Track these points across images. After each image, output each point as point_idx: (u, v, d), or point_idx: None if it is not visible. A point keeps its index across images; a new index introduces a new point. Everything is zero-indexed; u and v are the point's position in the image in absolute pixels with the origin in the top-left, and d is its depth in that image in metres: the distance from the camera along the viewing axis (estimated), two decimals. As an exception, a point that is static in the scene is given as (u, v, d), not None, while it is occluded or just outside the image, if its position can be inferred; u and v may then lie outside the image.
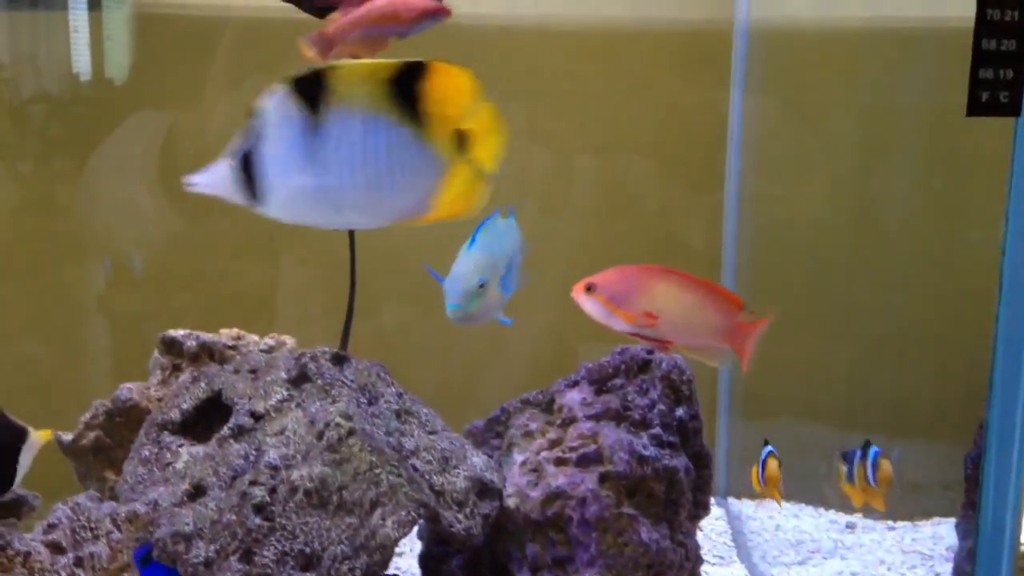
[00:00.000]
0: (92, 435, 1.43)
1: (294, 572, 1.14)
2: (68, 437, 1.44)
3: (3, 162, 1.91)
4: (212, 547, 1.17)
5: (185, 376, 1.48)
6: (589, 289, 1.16)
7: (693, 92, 1.97)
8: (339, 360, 1.32)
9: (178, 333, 1.51)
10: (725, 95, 1.89)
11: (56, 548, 1.03)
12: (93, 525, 1.06)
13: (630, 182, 2.01)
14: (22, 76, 1.88)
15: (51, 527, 1.05)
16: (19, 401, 1.79)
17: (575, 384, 1.31)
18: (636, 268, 1.17)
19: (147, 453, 1.28)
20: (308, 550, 1.16)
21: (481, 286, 1.19)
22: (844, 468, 1.52)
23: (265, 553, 1.15)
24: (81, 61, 1.81)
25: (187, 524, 1.18)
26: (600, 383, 1.30)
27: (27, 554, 0.99)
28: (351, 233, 1.86)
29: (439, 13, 1.20)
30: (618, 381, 1.29)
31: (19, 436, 0.84)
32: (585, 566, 1.19)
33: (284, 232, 1.90)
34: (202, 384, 1.33)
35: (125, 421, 1.44)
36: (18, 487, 1.54)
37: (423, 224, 1.11)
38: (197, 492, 1.22)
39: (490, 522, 1.23)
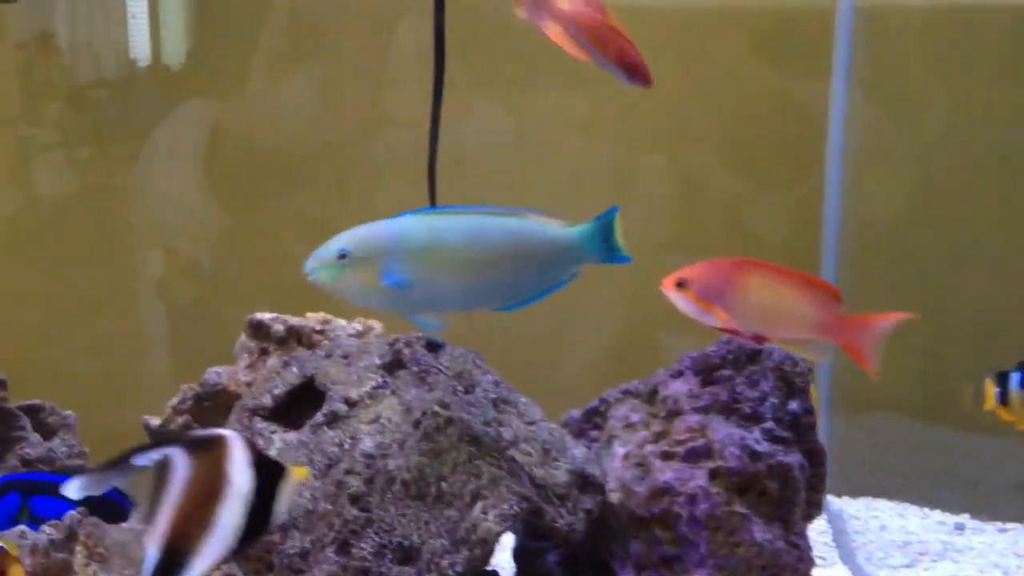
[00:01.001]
0: (180, 420, 1.41)
1: (392, 566, 1.10)
2: (156, 421, 1.42)
3: (63, 148, 1.91)
4: (308, 538, 1.13)
5: (274, 361, 1.45)
6: (680, 284, 1.10)
7: (787, 80, 1.89)
8: (434, 347, 1.27)
9: (265, 316, 1.48)
10: (824, 83, 1.80)
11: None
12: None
13: (714, 175, 1.95)
14: (81, 62, 1.87)
15: (148, 514, 1.02)
16: (79, 388, 1.78)
17: (679, 374, 1.25)
18: (728, 261, 1.11)
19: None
20: (407, 543, 1.11)
21: (342, 256, 1.06)
22: (997, 390, 1.46)
23: (363, 545, 1.11)
24: (138, 47, 1.79)
25: (281, 513, 1.14)
26: (706, 374, 1.24)
27: (124, 545, 0.96)
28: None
29: (638, 76, 1.11)
30: (725, 372, 1.23)
31: (278, 474, 0.79)
32: (695, 566, 1.13)
33: (343, 216, 1.89)
34: (294, 369, 1.30)
35: (213, 405, 1.41)
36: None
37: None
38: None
39: (593, 517, 1.18)
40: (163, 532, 0.73)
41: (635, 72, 1.08)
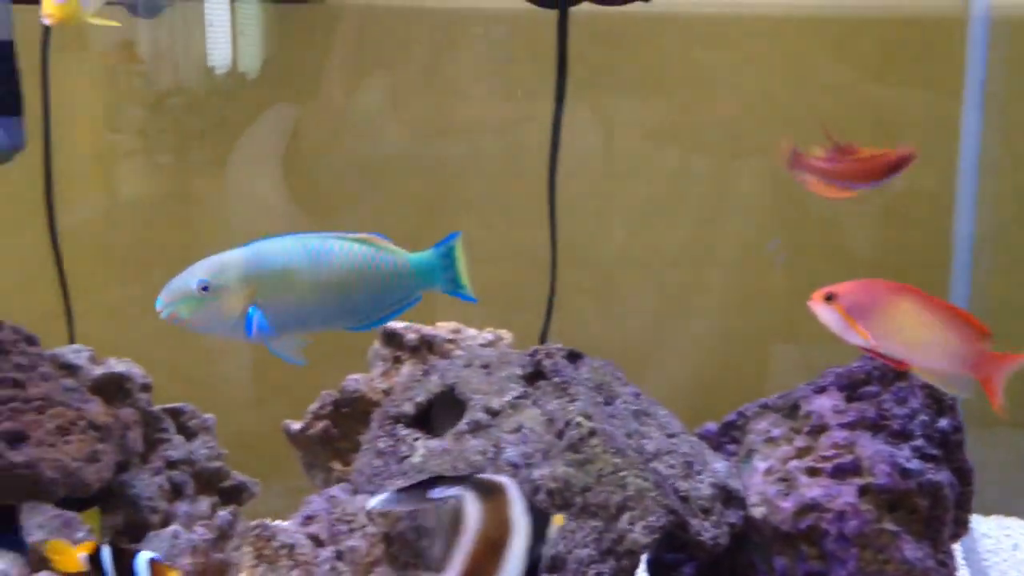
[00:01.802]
0: (320, 425, 1.44)
1: (541, 574, 1.12)
2: (297, 426, 1.46)
3: (144, 154, 1.95)
4: (453, 544, 1.15)
5: (408, 368, 1.48)
6: (829, 299, 1.11)
7: (910, 92, 1.87)
8: (574, 357, 1.28)
9: (398, 326, 1.51)
10: (954, 97, 1.77)
11: (316, 541, 1.02)
12: (349, 518, 1.05)
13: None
14: (161, 69, 1.91)
15: (308, 519, 1.05)
16: (171, 391, 1.83)
17: (822, 390, 1.25)
18: (880, 283, 1.12)
19: (383, 446, 1.28)
20: (553, 552, 1.13)
21: (204, 289, 1.02)
22: None
23: (508, 553, 1.13)
24: (217, 54, 1.82)
25: (428, 519, 1.16)
26: (850, 389, 1.24)
27: (292, 547, 0.98)
28: (552, 228, 1.85)
29: (903, 167, 1.15)
30: (872, 388, 1.22)
31: (544, 520, 0.83)
32: (842, 583, 1.13)
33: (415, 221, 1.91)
34: (434, 378, 1.32)
35: (351, 412, 1.44)
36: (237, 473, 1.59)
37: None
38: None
39: (735, 531, 1.18)
40: (459, 571, 0.78)
41: (900, 167, 1.15)
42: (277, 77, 1.91)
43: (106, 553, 1.03)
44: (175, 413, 1.52)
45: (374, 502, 0.84)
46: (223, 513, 1.31)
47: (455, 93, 1.95)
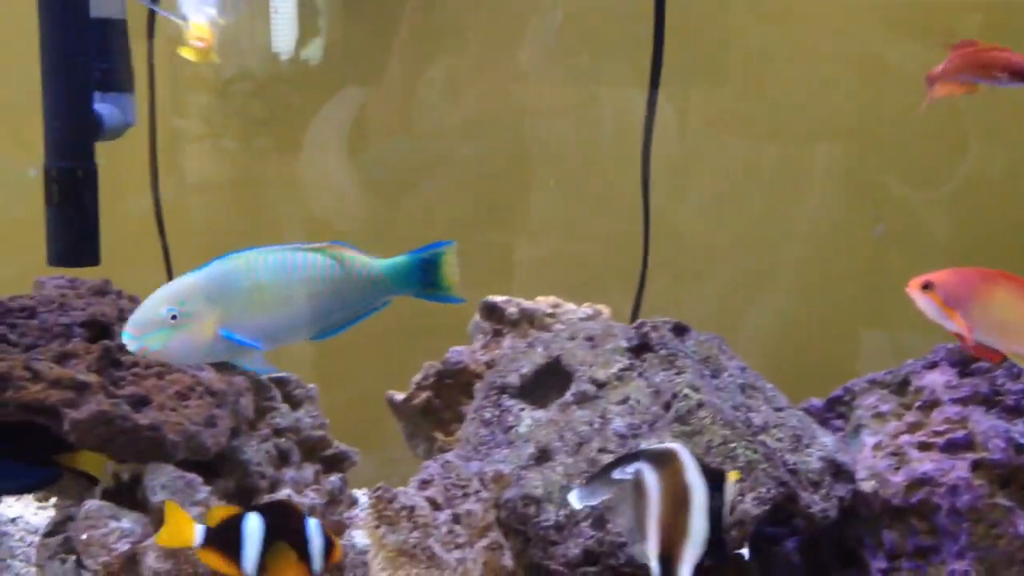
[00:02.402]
0: (424, 396, 1.47)
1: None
2: (400, 397, 1.49)
3: (210, 139, 1.98)
4: (562, 512, 1.17)
5: (509, 341, 1.50)
6: (926, 287, 1.10)
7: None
8: (680, 330, 1.29)
9: (498, 299, 1.53)
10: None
11: (434, 504, 1.05)
12: (463, 483, 1.08)
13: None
14: (227, 55, 1.94)
15: (424, 483, 1.08)
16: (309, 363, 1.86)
17: (934, 365, 1.24)
18: (977, 271, 1.11)
19: (488, 415, 1.30)
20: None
21: (173, 318, 0.98)
22: None
23: (619, 521, 1.14)
24: (281, 40, 1.84)
25: (536, 487, 1.18)
26: (963, 365, 1.23)
27: (412, 509, 1.01)
28: (646, 206, 1.85)
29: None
30: (983, 364, 1.21)
31: (719, 478, 0.87)
32: (954, 557, 1.12)
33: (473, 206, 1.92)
34: (539, 349, 1.34)
35: (454, 383, 1.47)
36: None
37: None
38: (543, 456, 1.22)
39: (844, 505, 1.18)
40: (656, 544, 0.81)
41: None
42: (340, 63, 1.94)
43: (313, 525, 1.04)
44: (281, 382, 1.56)
45: (573, 499, 0.92)
46: (333, 479, 1.35)
47: (521, 76, 1.96)
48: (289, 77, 1.94)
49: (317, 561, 1.01)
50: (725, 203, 2.01)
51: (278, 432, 1.52)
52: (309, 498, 1.29)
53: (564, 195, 2.02)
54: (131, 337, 0.98)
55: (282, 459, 1.51)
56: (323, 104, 1.94)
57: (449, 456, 1.12)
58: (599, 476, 0.91)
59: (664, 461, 0.86)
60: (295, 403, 1.56)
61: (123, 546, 1.13)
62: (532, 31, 1.93)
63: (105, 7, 1.52)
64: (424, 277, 1.08)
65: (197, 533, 1.06)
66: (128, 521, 1.15)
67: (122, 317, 1.33)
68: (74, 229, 1.51)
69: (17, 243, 1.85)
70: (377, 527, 1.01)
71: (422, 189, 1.97)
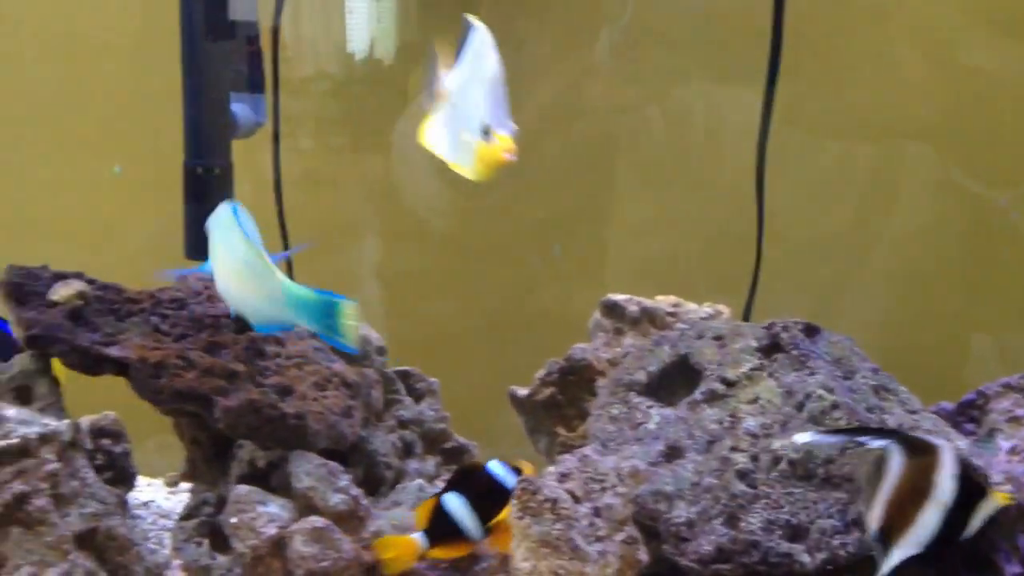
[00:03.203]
0: (547, 391, 1.49)
1: (780, 541, 1.14)
2: (523, 392, 1.52)
3: (288, 138, 2.02)
4: (694, 509, 1.18)
5: (630, 339, 1.52)
6: None
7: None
8: (811, 331, 1.30)
9: (620, 298, 1.55)
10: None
11: (573, 497, 1.07)
12: (600, 477, 1.10)
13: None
14: (303, 55, 1.97)
15: (564, 476, 1.10)
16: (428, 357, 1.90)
17: (1072, 370, 1.23)
18: None
19: (616, 412, 1.32)
20: (795, 521, 1.14)
21: None
22: None
23: (751, 520, 1.15)
24: (356, 41, 1.86)
25: (667, 484, 1.20)
26: (1102, 371, 1.21)
27: (555, 501, 1.04)
28: (760, 203, 1.85)
29: None
30: (1124, 370, 1.20)
31: (979, 492, 0.88)
32: (1095, 565, 1.11)
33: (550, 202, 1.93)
34: (666, 348, 1.35)
35: (577, 380, 1.49)
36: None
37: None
38: (672, 453, 1.24)
39: (979, 509, 1.18)
40: (878, 517, 0.83)
41: None
42: (415, 62, 1.96)
43: (497, 467, 1.17)
44: (405, 375, 1.60)
45: (801, 438, 0.97)
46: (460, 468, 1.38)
47: (601, 70, 1.98)
48: (364, 77, 1.98)
49: None
50: (820, 202, 2.00)
51: (402, 424, 1.56)
52: (440, 488, 1.32)
53: (654, 192, 2.03)
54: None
55: (406, 450, 1.56)
56: (396, 103, 1.98)
57: (587, 450, 1.14)
58: (842, 432, 0.95)
59: (920, 452, 0.85)
60: (418, 396, 1.60)
61: (271, 530, 1.18)
62: (607, 27, 1.94)
63: (241, 10, 1.59)
64: (327, 320, 1.12)
65: (419, 542, 1.18)
66: (275, 506, 1.20)
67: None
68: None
69: (110, 234, 1.93)
70: (521, 518, 1.04)
71: (507, 186, 2.00)
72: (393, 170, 2.01)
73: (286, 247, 1.88)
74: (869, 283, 2.02)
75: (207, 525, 1.41)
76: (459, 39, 1.11)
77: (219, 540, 1.38)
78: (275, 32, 1.79)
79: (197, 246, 1.55)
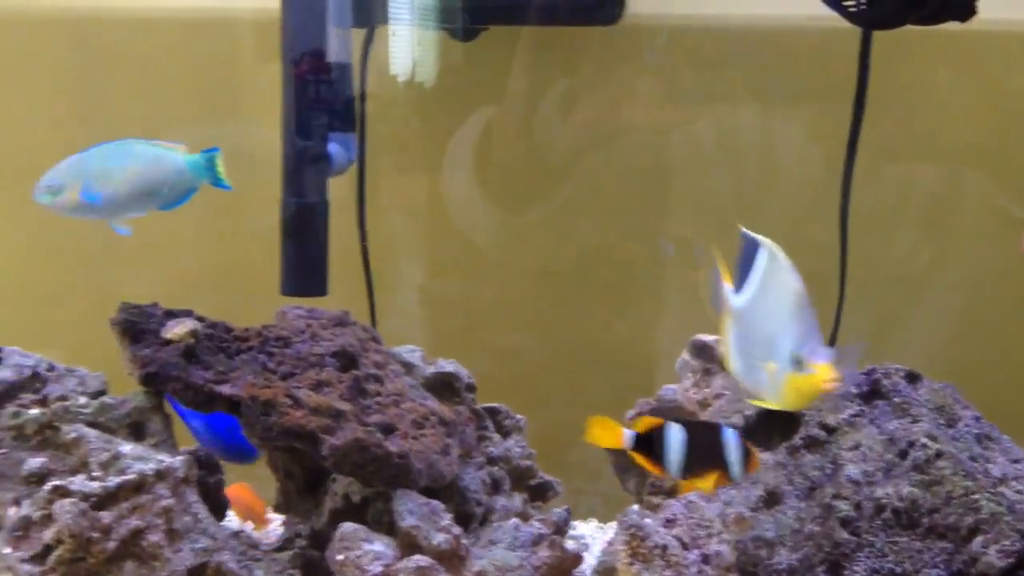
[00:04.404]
0: (638, 432, 1.50)
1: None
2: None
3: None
4: (795, 556, 1.19)
5: (720, 380, 1.52)
6: None
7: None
8: (913, 378, 1.30)
9: (708, 338, 1.55)
10: None
11: (681, 543, 1.08)
12: (706, 524, 1.11)
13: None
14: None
15: (670, 521, 1.11)
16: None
17: None
18: None
19: (713, 455, 1.33)
20: (899, 570, 1.15)
21: (51, 185, 1.38)
22: None
23: (855, 568, 1.16)
24: (399, 62, 1.87)
25: (768, 530, 1.21)
26: None
27: (664, 547, 1.04)
28: (843, 243, 1.85)
29: None
30: None
31: None
32: None
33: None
34: (763, 392, 1.36)
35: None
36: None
37: None
38: (772, 499, 1.25)
39: (1090, 562, 1.17)
40: None
41: None
42: (454, 86, 1.99)
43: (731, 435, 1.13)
44: (493, 412, 1.61)
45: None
46: (558, 510, 1.39)
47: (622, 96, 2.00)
48: (406, 98, 2.01)
49: (736, 468, 1.09)
50: (880, 231, 2.00)
51: (491, 461, 1.57)
52: (536, 528, 1.33)
53: (708, 218, 2.04)
54: (35, 194, 1.40)
55: (494, 487, 1.57)
56: (439, 125, 2.00)
57: (692, 496, 1.15)
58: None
59: None
60: (505, 432, 1.61)
61: (376, 568, 1.19)
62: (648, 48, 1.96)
63: (337, 52, 1.62)
64: (210, 171, 1.45)
65: (626, 437, 1.20)
66: (380, 544, 1.21)
67: (364, 348, 1.41)
68: (306, 261, 1.61)
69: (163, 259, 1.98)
70: (631, 563, 1.05)
71: (556, 211, 2.02)
72: (443, 192, 2.04)
73: (368, 273, 1.90)
74: (934, 314, 2.00)
75: (300, 557, 1.44)
76: (740, 252, 1.08)
77: (311, 573, 1.40)
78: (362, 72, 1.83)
79: (294, 282, 1.58)
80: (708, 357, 1.56)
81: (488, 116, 1.99)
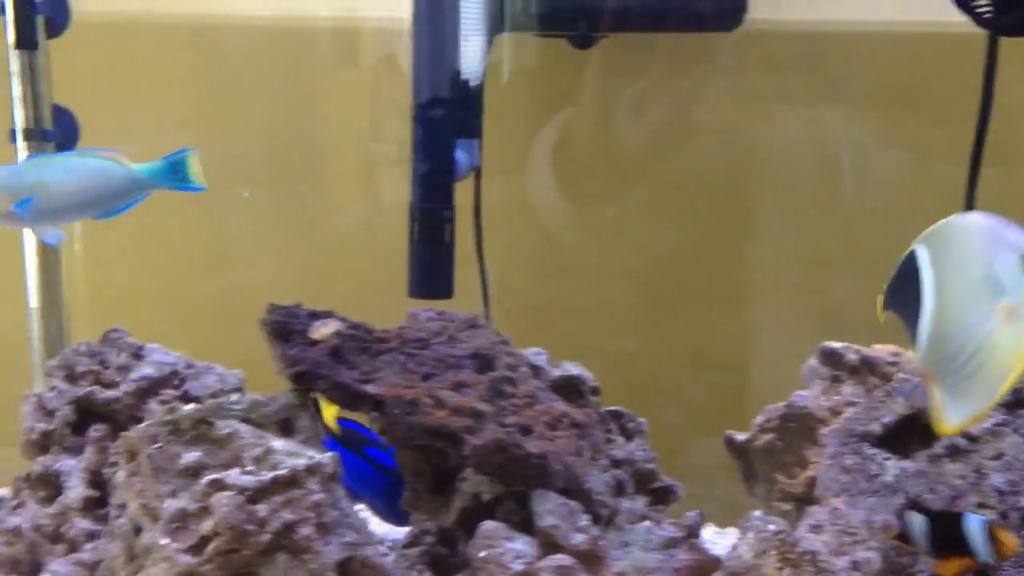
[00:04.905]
0: (766, 438, 1.51)
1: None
2: (741, 437, 1.53)
3: (403, 163, 2.05)
4: (940, 564, 1.18)
5: (850, 388, 1.51)
6: None
7: None
8: (1059, 387, 1.28)
9: (837, 345, 1.55)
10: None
11: (829, 550, 1.08)
12: (852, 531, 1.11)
13: None
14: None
15: (815, 528, 1.11)
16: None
17: None
18: None
19: (849, 463, 1.33)
20: (1051, 582, 1.13)
21: None
22: None
23: (1003, 578, 1.14)
24: (470, 66, 1.88)
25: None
26: None
27: (814, 554, 1.05)
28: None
29: None
30: None
31: None
32: None
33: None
34: (900, 399, 1.35)
35: (797, 427, 1.50)
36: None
37: None
38: (913, 508, 1.24)
39: None
40: None
41: None
42: (531, 87, 2.00)
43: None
44: (616, 415, 1.63)
45: None
46: (691, 514, 1.40)
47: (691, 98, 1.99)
48: (477, 103, 2.03)
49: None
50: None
51: (615, 463, 1.59)
52: (669, 531, 1.34)
53: (790, 222, 2.03)
54: None
55: (619, 489, 1.58)
56: (519, 129, 2.02)
57: (838, 502, 1.15)
58: None
59: None
60: (628, 435, 1.62)
61: (518, 566, 1.21)
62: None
63: (466, 60, 1.66)
64: (177, 175, 1.52)
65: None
66: (521, 543, 1.23)
67: (497, 350, 1.43)
68: (434, 265, 1.65)
69: (234, 257, 2.03)
70: (780, 569, 1.06)
71: (633, 215, 2.03)
72: (529, 192, 2.07)
73: (483, 279, 1.93)
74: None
75: (428, 554, 1.47)
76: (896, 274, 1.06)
77: (439, 570, 1.43)
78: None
79: (422, 286, 1.62)
80: (838, 364, 1.55)
81: (606, 122, 2.02)
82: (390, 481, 1.57)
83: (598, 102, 1.99)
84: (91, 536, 1.55)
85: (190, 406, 1.28)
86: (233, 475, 1.18)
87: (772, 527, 1.08)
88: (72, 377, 1.62)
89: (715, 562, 1.22)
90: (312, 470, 1.20)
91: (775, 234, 2.09)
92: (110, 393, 1.57)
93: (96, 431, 1.56)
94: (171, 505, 1.20)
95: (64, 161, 1.52)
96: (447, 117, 1.61)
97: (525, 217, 2.08)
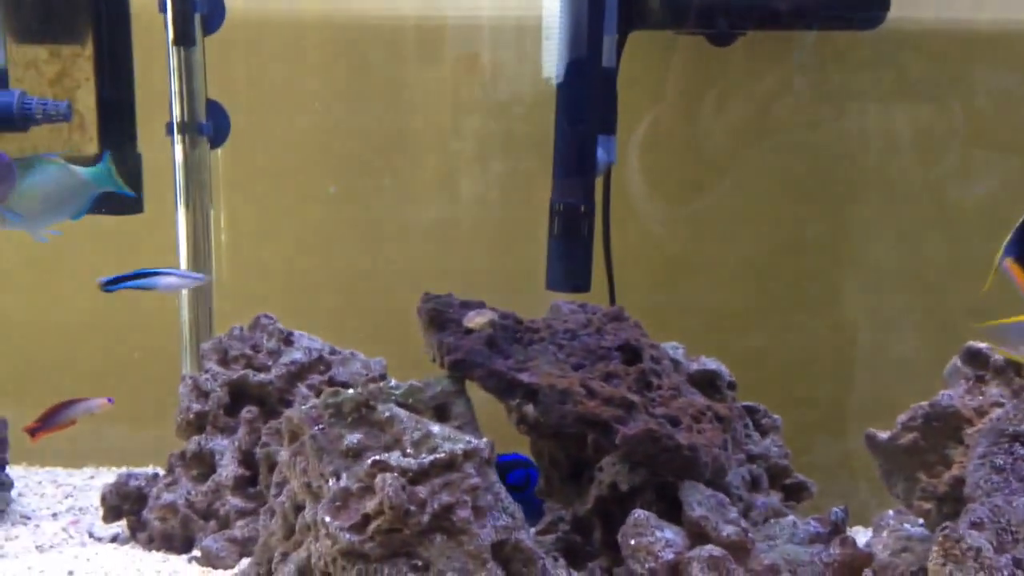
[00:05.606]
0: (910, 436, 1.50)
1: None
2: (884, 436, 1.53)
3: (482, 160, 2.07)
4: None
5: (995, 388, 1.49)
6: None
7: None
8: None
9: (982, 345, 1.53)
10: None
11: (991, 546, 1.08)
12: (1014, 528, 1.10)
13: None
14: (500, 80, 2.02)
15: (975, 524, 1.11)
16: None
17: None
18: None
19: (1000, 462, 1.31)
20: None
21: None
22: None
23: None
24: (551, 66, 1.88)
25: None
26: None
27: (978, 550, 1.05)
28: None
29: None
30: None
31: None
32: None
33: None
34: (1053, 401, 1.34)
35: (941, 427, 1.49)
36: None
37: None
38: (1069, 508, 1.22)
39: None
40: None
41: None
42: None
43: None
44: (751, 411, 1.64)
45: None
46: (836, 509, 1.40)
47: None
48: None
49: None
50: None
51: (751, 458, 1.60)
52: (814, 526, 1.35)
53: (892, 218, 2.01)
54: None
55: (754, 484, 1.59)
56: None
57: (998, 500, 1.15)
58: None
59: None
60: (763, 431, 1.64)
61: (668, 555, 1.24)
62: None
63: (607, 58, 1.68)
64: (111, 179, 1.65)
65: None
66: (670, 532, 1.26)
67: (644, 343, 1.46)
68: (573, 258, 1.68)
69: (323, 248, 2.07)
70: (944, 564, 1.06)
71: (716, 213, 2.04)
72: (628, 189, 2.08)
73: (610, 274, 1.94)
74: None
75: (562, 541, 1.50)
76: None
77: (573, 557, 1.46)
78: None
79: (562, 279, 1.65)
80: (982, 364, 1.53)
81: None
82: None
83: (771, 102, 2.01)
84: (242, 513, 1.63)
85: (352, 390, 1.33)
86: (395, 457, 1.22)
87: (907, 526, 1.08)
88: (225, 361, 1.69)
89: (868, 557, 1.23)
90: (469, 454, 1.24)
91: (883, 234, 2.07)
92: (262, 376, 1.64)
93: (249, 412, 1.63)
94: (334, 484, 1.25)
95: (30, 165, 1.60)
96: (588, 114, 1.63)
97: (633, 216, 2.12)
